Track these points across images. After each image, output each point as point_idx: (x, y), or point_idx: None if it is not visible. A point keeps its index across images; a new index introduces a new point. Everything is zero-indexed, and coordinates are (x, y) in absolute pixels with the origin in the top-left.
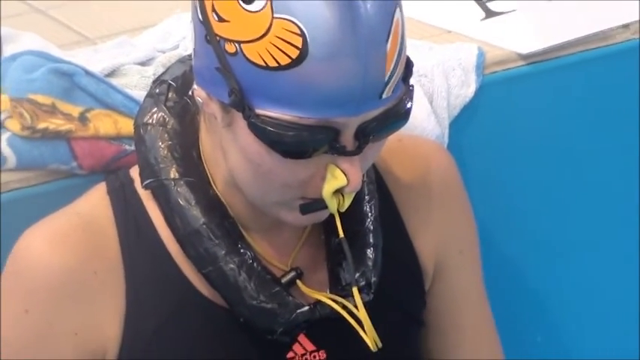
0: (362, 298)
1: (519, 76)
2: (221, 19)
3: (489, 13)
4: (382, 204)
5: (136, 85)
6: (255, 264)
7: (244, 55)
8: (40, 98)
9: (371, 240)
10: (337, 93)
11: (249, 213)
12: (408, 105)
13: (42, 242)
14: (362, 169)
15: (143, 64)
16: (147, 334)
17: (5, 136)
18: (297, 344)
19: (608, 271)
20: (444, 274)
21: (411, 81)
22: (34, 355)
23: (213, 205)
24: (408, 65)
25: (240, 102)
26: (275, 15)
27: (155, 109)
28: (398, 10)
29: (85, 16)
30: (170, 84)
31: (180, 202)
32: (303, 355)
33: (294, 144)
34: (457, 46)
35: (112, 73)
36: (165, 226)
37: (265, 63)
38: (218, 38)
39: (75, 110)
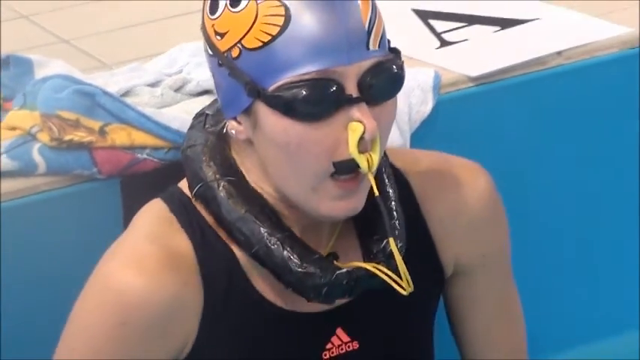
0: (396, 245)
1: (469, 95)
2: (222, 35)
3: (444, 43)
4: (407, 208)
5: (147, 103)
6: (295, 239)
7: (245, 48)
8: (66, 114)
9: (397, 225)
10: (325, 44)
11: (290, 215)
12: (400, 64)
13: (132, 272)
14: (378, 128)
15: (152, 85)
16: (217, 332)
17: (37, 146)
18: (334, 337)
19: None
20: (465, 273)
21: None
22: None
23: (253, 196)
24: (386, 38)
25: (254, 89)
26: (258, 1)
27: (196, 134)
28: None
29: (104, 46)
30: (207, 114)
31: (225, 197)
32: (339, 345)
33: (307, 103)
34: (416, 70)
35: (126, 93)
36: (227, 236)
37: (261, 41)
38: (225, 53)
39: (95, 125)
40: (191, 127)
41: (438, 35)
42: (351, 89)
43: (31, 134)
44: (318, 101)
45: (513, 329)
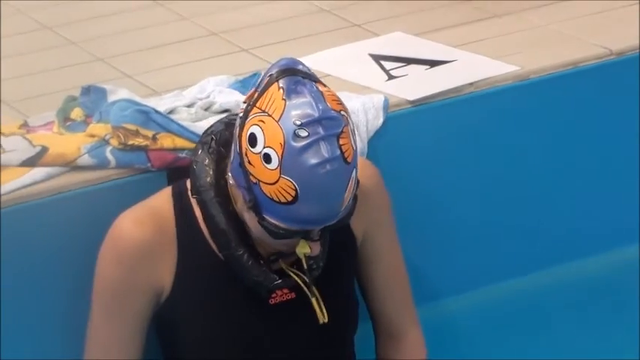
0: (312, 276)
1: (408, 113)
2: (250, 163)
3: (390, 77)
4: None
5: (185, 118)
6: (253, 253)
7: (260, 188)
8: (129, 126)
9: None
10: (311, 219)
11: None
12: (351, 211)
13: (129, 223)
14: (321, 243)
15: (189, 106)
16: (188, 284)
17: (109, 148)
18: (278, 290)
19: None
20: (365, 238)
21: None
22: (120, 290)
23: (233, 216)
24: (357, 185)
25: (254, 207)
26: (282, 175)
27: (202, 152)
28: (354, 171)
29: (155, 79)
30: (212, 137)
31: (213, 212)
32: (281, 295)
33: (282, 236)
34: (371, 95)
35: (170, 112)
36: (204, 222)
37: (271, 198)
38: (246, 170)
39: (149, 133)
40: (200, 143)
41: (386, 72)
42: (314, 234)
43: (105, 140)
44: (290, 236)
45: (403, 282)
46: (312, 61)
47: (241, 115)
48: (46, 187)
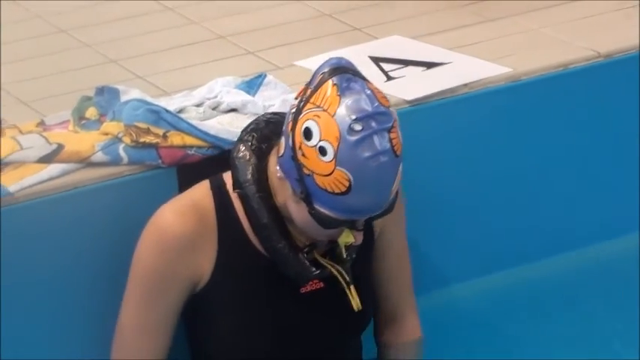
0: (347, 266)
1: (406, 112)
2: (304, 156)
3: (389, 78)
4: None
5: (194, 117)
6: (292, 245)
7: (314, 180)
8: (141, 124)
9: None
10: (361, 209)
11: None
12: (394, 202)
13: (171, 214)
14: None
15: (197, 105)
16: (225, 274)
17: (122, 145)
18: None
19: None
20: (384, 229)
21: None
22: (160, 279)
23: (273, 210)
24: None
25: (306, 199)
26: (337, 167)
27: (244, 148)
28: (401, 165)
29: (165, 80)
30: (254, 135)
31: (255, 207)
32: (311, 285)
33: (332, 224)
34: None
35: (180, 111)
36: (243, 215)
37: (325, 189)
38: (299, 163)
39: (160, 131)
40: (240, 140)
41: (385, 73)
42: (359, 223)
43: (118, 138)
44: (338, 225)
45: (408, 271)
46: (315, 63)
47: (293, 110)
48: (62, 182)
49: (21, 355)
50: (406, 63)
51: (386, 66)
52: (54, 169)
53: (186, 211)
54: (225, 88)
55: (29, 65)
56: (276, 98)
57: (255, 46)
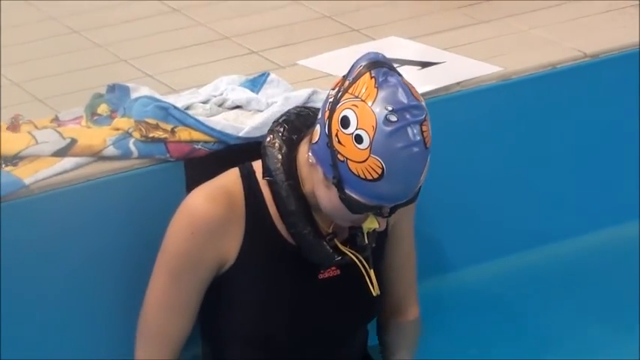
0: (366, 254)
1: None
2: (339, 143)
3: None
4: None
5: (200, 113)
6: (317, 231)
7: (347, 166)
8: (150, 120)
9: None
10: (390, 196)
11: (318, 212)
12: (419, 192)
13: (202, 199)
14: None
15: (204, 102)
16: (250, 257)
17: (132, 140)
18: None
19: None
20: (397, 222)
21: None
22: (190, 261)
23: (301, 197)
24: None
25: (338, 184)
26: (371, 154)
27: (275, 138)
28: (429, 156)
29: (173, 78)
30: (285, 126)
31: (284, 194)
32: (328, 271)
33: (360, 209)
34: None
35: (187, 107)
36: (271, 201)
37: (357, 175)
38: (334, 149)
39: (168, 127)
40: (271, 130)
41: None
42: (385, 210)
43: (128, 133)
44: (366, 210)
45: (414, 264)
46: (315, 62)
47: (330, 100)
48: (75, 175)
49: (25, 352)
50: (402, 62)
51: None
52: (67, 162)
53: (216, 196)
54: (230, 86)
55: (44, 64)
56: (278, 96)
57: (259, 46)
